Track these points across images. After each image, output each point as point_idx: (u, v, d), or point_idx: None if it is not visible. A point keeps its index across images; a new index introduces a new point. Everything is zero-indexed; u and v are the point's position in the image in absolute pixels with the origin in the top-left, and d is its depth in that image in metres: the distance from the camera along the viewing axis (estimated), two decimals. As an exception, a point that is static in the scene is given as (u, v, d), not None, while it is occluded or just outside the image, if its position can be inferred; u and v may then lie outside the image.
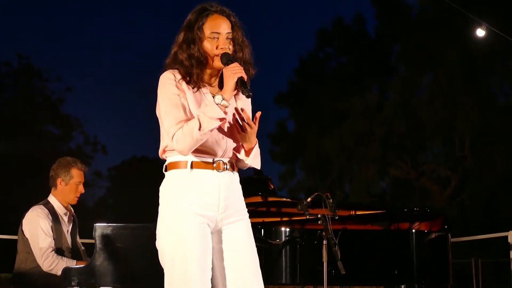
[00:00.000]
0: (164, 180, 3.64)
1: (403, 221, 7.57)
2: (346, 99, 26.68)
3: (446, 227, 7.24)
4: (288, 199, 7.28)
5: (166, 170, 3.65)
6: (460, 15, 19.05)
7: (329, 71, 29.45)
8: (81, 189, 6.13)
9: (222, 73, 3.64)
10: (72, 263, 5.86)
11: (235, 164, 3.72)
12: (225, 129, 3.62)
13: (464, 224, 23.04)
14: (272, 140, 29.74)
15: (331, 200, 6.04)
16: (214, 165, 3.59)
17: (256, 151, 3.73)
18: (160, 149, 3.67)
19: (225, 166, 3.63)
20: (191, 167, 3.56)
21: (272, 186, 7.47)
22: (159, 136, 3.70)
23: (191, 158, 3.56)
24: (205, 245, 3.52)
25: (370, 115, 26.08)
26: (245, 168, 3.80)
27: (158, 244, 3.57)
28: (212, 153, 3.59)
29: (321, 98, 27.69)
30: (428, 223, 7.42)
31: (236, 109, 3.61)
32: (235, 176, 3.72)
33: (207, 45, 3.59)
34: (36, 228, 5.85)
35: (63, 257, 5.88)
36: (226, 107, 3.49)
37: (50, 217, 5.94)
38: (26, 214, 5.97)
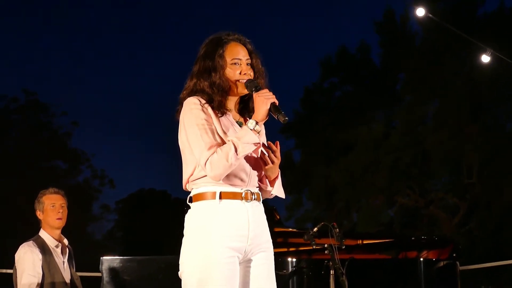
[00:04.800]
0: (191, 211, 3.59)
1: (411, 249, 7.53)
2: (352, 128, 26.66)
3: (454, 255, 7.19)
4: (294, 229, 7.25)
5: (191, 201, 3.60)
6: (465, 41, 19.07)
7: (334, 101, 29.47)
8: (58, 208, 6.07)
9: (241, 99, 3.68)
10: None
11: (260, 194, 3.70)
12: (250, 157, 3.59)
13: (472, 252, 22.90)
14: (278, 170, 29.63)
15: (337, 229, 6.02)
16: (243, 195, 3.56)
17: (280, 181, 3.74)
18: (183, 179, 3.63)
19: (253, 196, 3.60)
20: (220, 197, 3.52)
21: (278, 217, 7.45)
22: (181, 166, 3.64)
23: (219, 188, 3.52)
24: (233, 280, 3.49)
25: (376, 144, 26.03)
26: (265, 198, 3.77)
27: (183, 274, 3.53)
28: (240, 181, 3.56)
29: (327, 128, 27.69)
30: (437, 251, 7.38)
31: (263, 144, 3.62)
32: (261, 206, 3.69)
33: (230, 72, 3.59)
34: (23, 264, 5.82)
35: None
36: (259, 132, 3.49)
37: (41, 252, 5.90)
38: (17, 252, 5.95)
